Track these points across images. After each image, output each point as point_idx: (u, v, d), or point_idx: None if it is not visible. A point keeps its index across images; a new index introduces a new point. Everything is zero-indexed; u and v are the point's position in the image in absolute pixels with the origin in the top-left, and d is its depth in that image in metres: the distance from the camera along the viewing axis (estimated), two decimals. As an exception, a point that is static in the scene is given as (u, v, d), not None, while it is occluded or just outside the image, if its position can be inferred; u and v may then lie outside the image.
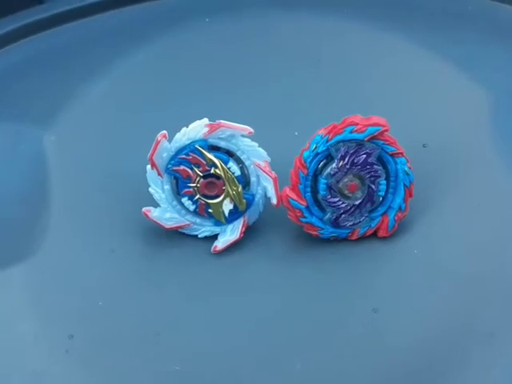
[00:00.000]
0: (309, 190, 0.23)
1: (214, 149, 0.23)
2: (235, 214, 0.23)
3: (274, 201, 0.23)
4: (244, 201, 0.23)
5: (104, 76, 0.30)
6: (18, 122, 0.29)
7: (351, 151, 0.22)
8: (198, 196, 0.23)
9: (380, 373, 0.20)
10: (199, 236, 0.24)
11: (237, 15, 0.32)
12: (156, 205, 0.23)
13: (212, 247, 0.23)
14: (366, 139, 0.22)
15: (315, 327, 0.21)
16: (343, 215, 0.23)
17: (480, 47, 0.32)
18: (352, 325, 0.21)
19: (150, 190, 0.23)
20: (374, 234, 0.24)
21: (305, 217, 0.23)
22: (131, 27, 0.33)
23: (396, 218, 0.23)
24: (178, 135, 0.22)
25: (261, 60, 0.30)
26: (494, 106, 0.29)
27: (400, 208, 0.23)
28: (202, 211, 0.23)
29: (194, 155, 0.23)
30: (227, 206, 0.23)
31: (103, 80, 0.30)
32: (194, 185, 0.23)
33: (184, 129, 0.22)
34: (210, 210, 0.23)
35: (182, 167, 0.23)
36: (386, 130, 0.22)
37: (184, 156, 0.22)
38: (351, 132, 0.22)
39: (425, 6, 0.33)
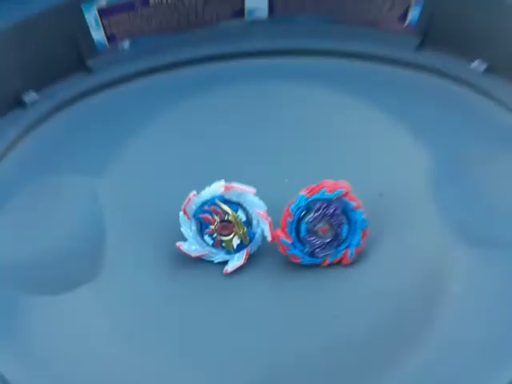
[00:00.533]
0: (293, 231, 0.32)
1: (227, 201, 0.32)
2: (241, 246, 0.32)
3: (269, 238, 0.32)
4: (247, 237, 0.32)
5: (140, 135, 0.38)
6: (75, 171, 0.36)
7: (323, 206, 0.31)
8: (215, 234, 0.32)
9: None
10: (215, 262, 0.33)
11: (237, 88, 0.40)
12: (185, 239, 0.32)
13: (224, 270, 0.32)
14: (334, 198, 0.31)
15: (292, 326, 0.30)
16: (317, 249, 0.32)
17: (430, 117, 0.40)
18: (317, 326, 0.30)
19: (181, 229, 0.32)
20: (339, 262, 0.33)
21: (290, 250, 0.32)
22: (162, 92, 0.40)
23: (355, 251, 0.32)
24: (203, 193, 0.31)
25: (259, 127, 0.38)
26: (435, 164, 0.36)
27: (357, 244, 0.32)
28: (217, 244, 0.32)
29: (214, 207, 0.32)
30: (235, 241, 0.32)
31: (140, 138, 0.37)
32: (213, 227, 0.32)
33: (207, 188, 0.31)
34: (223, 244, 0.32)
35: (205, 215, 0.32)
36: (348, 192, 0.31)
37: (207, 207, 0.32)
38: (324, 193, 0.31)
39: (391, 80, 0.41)
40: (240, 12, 0.43)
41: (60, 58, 0.40)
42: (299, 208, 0.31)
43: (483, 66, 0.41)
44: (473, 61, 0.41)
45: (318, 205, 0.31)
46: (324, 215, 0.32)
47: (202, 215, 0.32)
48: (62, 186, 0.35)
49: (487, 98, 0.40)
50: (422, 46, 0.43)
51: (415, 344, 0.29)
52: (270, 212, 0.32)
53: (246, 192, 0.31)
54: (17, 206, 0.35)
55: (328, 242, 0.32)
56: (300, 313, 0.31)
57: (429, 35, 0.43)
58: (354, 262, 0.32)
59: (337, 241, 0.32)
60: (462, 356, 0.29)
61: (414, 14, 0.42)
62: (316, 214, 0.32)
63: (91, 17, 0.39)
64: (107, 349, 0.29)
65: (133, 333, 0.30)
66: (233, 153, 0.37)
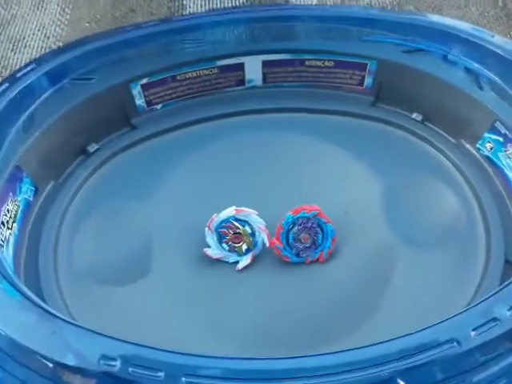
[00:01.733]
0: (284, 239, 0.44)
1: (238, 220, 0.45)
2: (248, 250, 0.45)
3: (268, 244, 0.45)
4: (253, 244, 0.45)
5: (173, 172, 0.48)
6: (129, 198, 0.46)
7: (304, 221, 0.44)
8: (230, 243, 0.45)
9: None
10: (230, 262, 0.45)
11: (241, 138, 0.50)
12: (209, 246, 0.45)
13: (236, 267, 0.45)
14: (311, 216, 0.44)
15: (279, 308, 0.41)
16: (301, 251, 0.45)
17: (381, 155, 0.49)
18: (302, 300, 0.42)
19: (206, 239, 0.45)
20: (317, 260, 0.45)
21: (282, 252, 0.45)
22: (188, 141, 0.50)
23: (328, 252, 0.45)
24: (221, 214, 0.44)
25: (258, 165, 0.49)
26: (385, 189, 0.47)
27: (329, 247, 0.45)
28: (232, 250, 0.45)
29: (229, 224, 0.44)
30: (244, 247, 0.45)
31: (173, 175, 0.48)
32: (229, 238, 0.45)
33: (224, 211, 0.44)
34: (235, 249, 0.45)
35: (223, 229, 0.44)
36: (320, 212, 0.44)
37: (224, 224, 0.44)
38: (304, 213, 0.44)
39: (352, 128, 0.51)
40: (241, 81, 0.53)
41: (113, 119, 0.50)
42: (288, 223, 0.44)
43: (420, 117, 0.52)
44: (412, 113, 0.52)
45: (300, 220, 0.44)
46: (305, 227, 0.44)
47: (220, 230, 0.44)
48: (120, 209, 0.47)
49: (423, 140, 0.51)
50: (375, 103, 0.53)
51: (369, 312, 0.41)
52: (267, 226, 0.44)
53: (251, 213, 0.44)
54: (91, 224, 0.46)
55: (308, 247, 0.44)
56: (291, 293, 0.42)
57: (380, 95, 0.52)
58: (327, 260, 0.44)
59: (314, 245, 0.45)
60: (403, 321, 0.39)
61: (368, 81, 0.52)
62: (299, 227, 0.44)
63: (136, 90, 0.50)
64: (159, 323, 0.41)
65: (174, 312, 0.41)
66: (241, 186, 0.48)
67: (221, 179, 0.49)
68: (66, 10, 0.70)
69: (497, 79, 0.46)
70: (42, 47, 0.66)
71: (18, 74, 0.45)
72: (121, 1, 0.70)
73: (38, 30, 0.68)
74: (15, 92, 0.44)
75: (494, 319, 0.31)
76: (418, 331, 0.31)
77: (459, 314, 0.32)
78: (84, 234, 0.46)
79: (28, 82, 0.44)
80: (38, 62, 0.47)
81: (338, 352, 0.30)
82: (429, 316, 0.38)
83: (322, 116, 0.52)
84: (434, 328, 0.31)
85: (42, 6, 0.71)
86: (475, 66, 0.46)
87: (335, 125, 0.52)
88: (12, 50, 0.65)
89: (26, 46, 0.66)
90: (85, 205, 0.47)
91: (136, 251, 0.45)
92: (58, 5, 0.71)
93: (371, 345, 0.30)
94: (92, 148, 0.50)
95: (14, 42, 0.66)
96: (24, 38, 0.67)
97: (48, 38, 0.67)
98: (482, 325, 0.31)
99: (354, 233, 0.45)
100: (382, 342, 0.30)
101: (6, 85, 0.45)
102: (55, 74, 0.46)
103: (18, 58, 0.64)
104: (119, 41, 0.47)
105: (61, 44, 0.65)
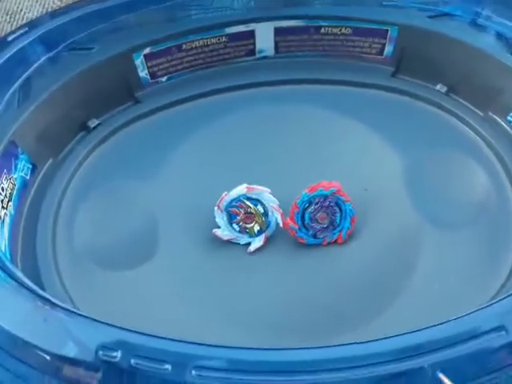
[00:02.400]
0: (299, 219, 0.41)
1: (249, 199, 0.42)
2: (260, 231, 0.42)
3: (281, 225, 0.41)
4: (265, 225, 0.42)
5: (181, 149, 0.45)
6: (131, 177, 0.43)
7: (321, 200, 0.41)
8: (241, 223, 0.42)
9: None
10: (241, 243, 0.41)
11: (252, 111, 0.47)
12: (219, 227, 0.42)
13: (248, 249, 0.41)
14: (329, 194, 0.41)
15: (292, 290, 0.38)
16: (318, 232, 0.42)
17: (403, 129, 0.45)
18: (318, 285, 0.39)
19: (216, 219, 0.42)
20: (335, 242, 0.41)
21: (298, 233, 0.42)
22: (195, 116, 0.47)
23: (347, 232, 0.42)
24: (232, 192, 0.41)
25: (272, 141, 0.46)
26: (408, 166, 0.44)
27: (348, 228, 0.42)
28: (243, 231, 0.42)
29: (240, 203, 0.41)
30: (256, 228, 0.42)
31: (182, 151, 0.45)
32: (240, 218, 0.42)
33: (234, 189, 0.41)
34: (247, 230, 0.42)
35: (233, 209, 0.41)
36: (339, 189, 0.41)
37: (234, 203, 0.41)
38: (321, 191, 0.41)
39: (372, 101, 0.48)
40: (252, 51, 0.50)
41: (115, 92, 0.47)
42: (303, 202, 0.41)
43: (444, 88, 0.48)
44: (436, 84, 0.48)
45: (317, 199, 0.41)
46: (322, 207, 0.41)
47: (231, 209, 0.41)
48: (122, 188, 0.44)
49: (448, 113, 0.47)
50: (395, 73, 0.50)
51: (392, 297, 0.38)
52: (281, 205, 0.41)
53: (264, 191, 0.41)
54: (91, 205, 0.43)
55: (325, 227, 0.41)
56: (306, 277, 0.39)
57: (401, 65, 0.49)
58: (346, 241, 0.41)
59: (332, 226, 0.41)
60: (430, 306, 0.37)
61: (388, 50, 0.49)
62: (316, 206, 0.41)
63: (139, 61, 0.47)
64: (165, 310, 0.38)
65: (181, 297, 0.39)
66: (253, 162, 0.44)
67: (230, 156, 0.45)
68: (66, -19, 0.67)
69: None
70: (40, 20, 0.62)
71: (9, 38, 0.42)
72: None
73: (36, 2, 0.64)
74: (5, 58, 0.40)
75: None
76: (459, 317, 0.27)
77: (506, 297, 0.28)
78: (84, 215, 0.43)
79: (20, 46, 0.41)
80: (32, 24, 0.43)
81: (367, 342, 0.26)
82: (458, 301, 0.37)
83: (338, 87, 0.49)
84: (477, 314, 0.27)
85: (41, -22, 0.67)
86: (507, 28, 0.42)
87: (353, 97, 0.48)
88: (9, 23, 0.62)
89: (23, 19, 0.62)
90: (85, 184, 0.44)
91: (140, 233, 0.42)
92: (57, -24, 0.67)
93: (405, 333, 0.26)
94: (93, 123, 0.47)
95: (11, 15, 0.63)
96: (21, 10, 0.63)
97: (46, 9, 0.63)
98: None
99: (375, 212, 0.42)
100: (416, 331, 0.26)
101: (-5, 50, 0.42)
102: (51, 38, 0.43)
103: (15, 32, 0.61)
104: (120, 3, 0.44)
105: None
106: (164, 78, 0.49)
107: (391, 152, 0.45)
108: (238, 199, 0.41)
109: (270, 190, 0.41)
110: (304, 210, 0.40)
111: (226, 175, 0.43)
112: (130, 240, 0.41)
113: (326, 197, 0.40)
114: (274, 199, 0.41)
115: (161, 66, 0.48)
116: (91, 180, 0.45)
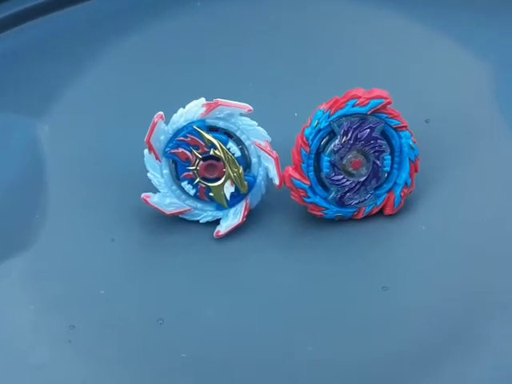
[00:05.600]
0: (312, 168, 0.22)
1: (212, 130, 0.22)
2: (237, 197, 0.23)
3: (277, 181, 0.22)
4: (245, 183, 0.22)
5: (95, 64, 0.28)
6: (9, 111, 0.27)
7: (354, 126, 0.22)
8: (198, 179, 0.22)
9: (393, 350, 0.20)
10: (201, 221, 0.23)
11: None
12: (155, 190, 0.23)
13: (214, 232, 0.23)
14: (369, 113, 0.22)
15: (326, 307, 0.21)
16: (348, 194, 0.23)
17: (476, 24, 0.31)
18: (363, 304, 0.21)
19: (148, 175, 0.22)
20: (381, 212, 0.23)
21: (308, 197, 0.22)
22: (120, 14, 0.31)
23: (402, 194, 0.23)
24: (175, 116, 0.22)
25: (255, 40, 0.29)
26: (492, 78, 0.28)
27: (406, 184, 0.23)
28: (202, 195, 0.23)
29: (193, 137, 0.22)
30: (228, 189, 0.23)
31: (94, 68, 0.28)
32: (194, 168, 0.22)
33: (181, 109, 0.22)
34: (211, 194, 0.23)
35: (180, 150, 0.22)
36: (390, 103, 0.22)
37: (182, 138, 0.22)
38: (353, 106, 0.21)
39: None
40: None
41: None
42: (319, 132, 0.22)
43: None
44: None
45: (345, 125, 0.22)
46: (355, 140, 0.22)
47: (175, 150, 0.22)
48: None
49: None
50: None
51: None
52: (275, 144, 0.23)
53: (239, 111, 0.21)
54: None
55: (363, 182, 0.23)
56: (330, 292, 0.21)
57: None
58: (400, 211, 0.23)
59: (375, 179, 0.23)
60: None
61: None
62: (343, 140, 0.22)
63: None
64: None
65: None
66: (219, 75, 0.27)
67: (183, 68, 0.28)
68: None
69: None
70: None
71: None
72: None
73: None
74: None
75: None
76: None
77: None
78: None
79: None
80: None
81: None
82: None
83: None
84: None
85: None
86: None
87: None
88: None
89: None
90: None
91: (14, 198, 0.24)
92: None
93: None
94: None
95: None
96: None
97: None
98: None
99: (446, 160, 0.25)
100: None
101: None
102: None
103: None
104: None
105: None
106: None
107: (465, 59, 0.28)
108: (188, 129, 0.22)
109: (250, 108, 0.21)
110: (320, 148, 0.22)
111: (168, 94, 0.26)
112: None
113: (362, 119, 0.21)
114: (261, 130, 0.22)
115: None
116: None
